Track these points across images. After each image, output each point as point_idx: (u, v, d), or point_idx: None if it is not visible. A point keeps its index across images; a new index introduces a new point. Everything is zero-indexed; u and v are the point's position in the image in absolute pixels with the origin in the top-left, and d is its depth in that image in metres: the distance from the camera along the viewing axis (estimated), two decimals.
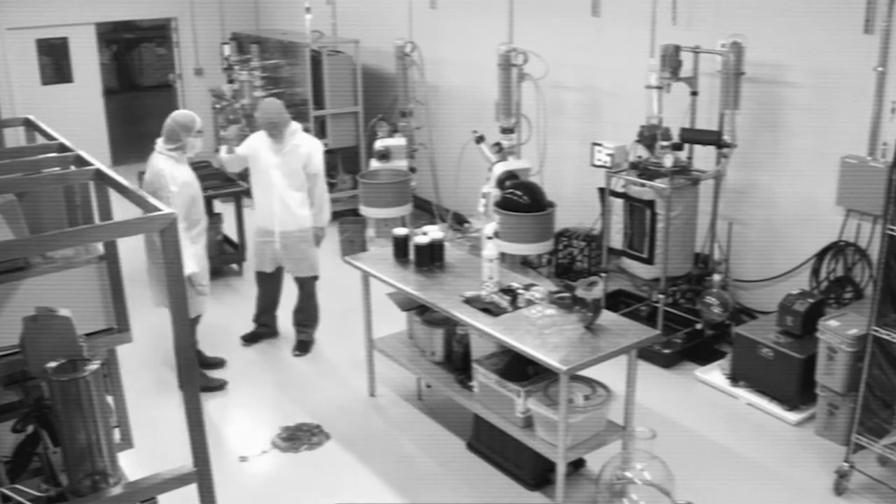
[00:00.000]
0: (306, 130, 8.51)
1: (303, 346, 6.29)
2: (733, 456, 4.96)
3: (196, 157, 5.65)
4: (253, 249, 6.34)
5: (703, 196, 6.03)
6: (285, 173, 5.85)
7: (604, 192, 6.34)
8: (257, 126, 5.97)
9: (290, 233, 5.95)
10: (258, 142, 5.98)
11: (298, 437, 5.19)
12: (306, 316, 6.29)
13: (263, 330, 6.47)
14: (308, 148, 5.93)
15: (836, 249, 5.69)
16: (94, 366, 2.48)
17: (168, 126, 5.34)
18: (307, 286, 6.21)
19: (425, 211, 8.86)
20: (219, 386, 5.76)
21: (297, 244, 5.99)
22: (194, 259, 5.34)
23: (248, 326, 6.50)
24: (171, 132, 5.33)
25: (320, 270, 6.21)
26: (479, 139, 6.92)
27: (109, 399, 3.09)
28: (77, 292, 2.95)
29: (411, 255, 5.29)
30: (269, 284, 6.29)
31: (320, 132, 8.80)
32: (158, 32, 14.97)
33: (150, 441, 4.20)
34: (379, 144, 7.90)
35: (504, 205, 6.47)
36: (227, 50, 9.90)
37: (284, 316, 6.45)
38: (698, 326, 6.03)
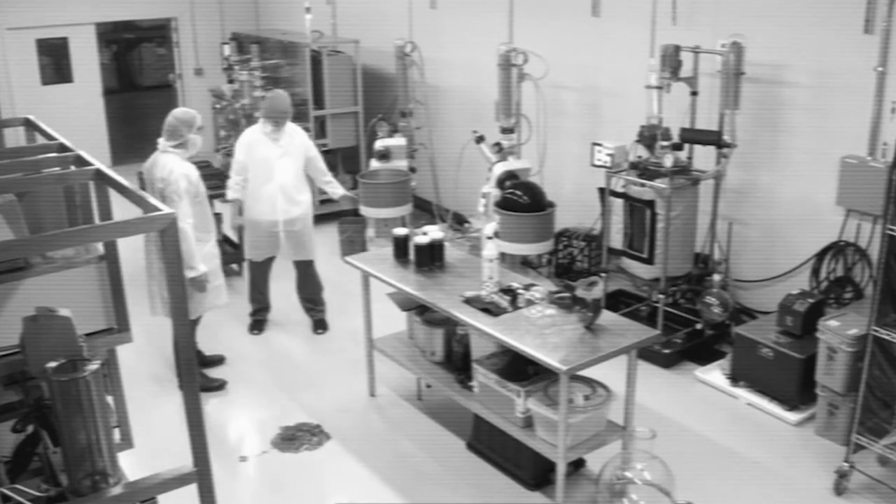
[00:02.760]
0: (306, 129, 8.56)
1: (322, 324, 6.60)
2: (733, 456, 4.96)
3: (197, 156, 5.65)
4: (250, 241, 6.38)
5: (703, 196, 6.03)
6: (289, 163, 6.15)
7: (604, 192, 6.34)
8: (265, 115, 6.13)
9: (293, 220, 6.23)
10: (252, 139, 6.16)
11: (298, 437, 5.19)
12: (315, 295, 6.58)
13: (259, 309, 6.62)
14: (301, 136, 6.31)
15: (836, 249, 5.69)
16: (94, 366, 2.48)
17: (169, 123, 5.36)
18: (310, 267, 6.49)
19: (425, 211, 8.86)
20: (219, 386, 5.76)
21: (300, 230, 6.29)
22: (203, 260, 5.39)
23: (245, 325, 6.57)
24: (172, 129, 5.34)
25: (322, 268, 6.32)
26: (479, 139, 6.92)
27: (109, 399, 3.09)
28: (77, 292, 2.95)
29: (411, 255, 5.29)
30: (261, 269, 6.48)
31: (320, 132, 8.81)
32: (158, 32, 14.98)
33: (150, 441, 4.20)
34: (379, 144, 7.90)
35: (504, 205, 6.47)
36: (227, 50, 9.90)
37: (291, 304, 6.64)
38: (698, 326, 6.02)
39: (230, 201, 6.26)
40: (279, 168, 6.10)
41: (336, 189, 6.48)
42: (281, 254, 6.37)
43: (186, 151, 5.37)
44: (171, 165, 5.27)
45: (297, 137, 6.25)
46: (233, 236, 6.54)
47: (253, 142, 6.15)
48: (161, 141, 5.37)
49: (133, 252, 4.76)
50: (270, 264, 6.47)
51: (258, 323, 6.62)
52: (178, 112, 5.45)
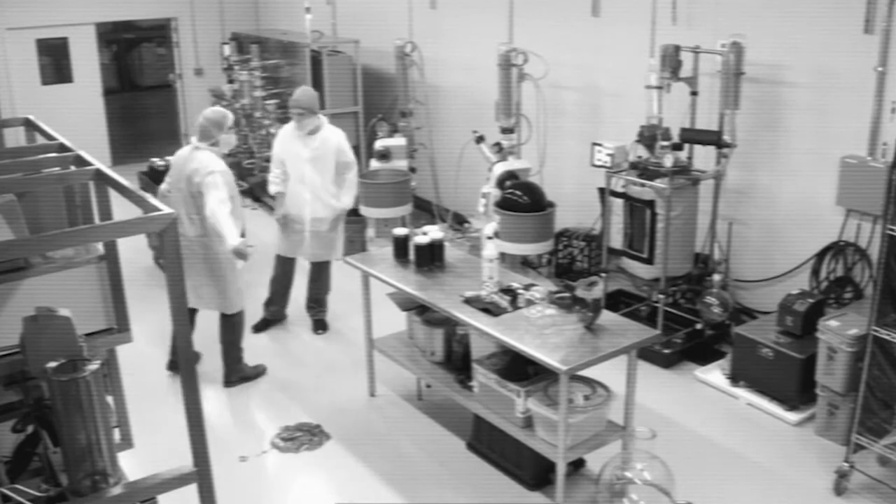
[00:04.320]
0: None
1: (322, 325, 6.60)
2: (733, 456, 4.96)
3: None
4: (280, 235, 6.43)
5: (703, 196, 6.03)
6: (318, 165, 6.15)
7: (604, 192, 6.34)
8: (289, 109, 6.20)
9: (320, 220, 6.25)
10: (285, 134, 6.26)
11: (298, 437, 5.19)
12: (321, 295, 6.60)
13: (275, 313, 6.64)
14: (336, 139, 6.24)
15: (836, 249, 5.69)
16: (94, 366, 2.48)
17: (201, 125, 5.40)
18: (325, 269, 6.51)
19: (425, 211, 8.86)
20: (261, 372, 5.91)
21: (326, 232, 6.32)
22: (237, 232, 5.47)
23: (250, 323, 6.54)
24: (204, 130, 5.38)
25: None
26: (479, 139, 6.92)
27: (109, 399, 3.09)
28: (77, 292, 2.95)
29: (411, 255, 5.29)
30: (286, 268, 6.50)
31: None
32: (158, 32, 14.98)
33: (150, 441, 4.20)
34: (379, 144, 7.89)
35: (504, 205, 6.47)
36: (227, 50, 9.91)
37: (291, 304, 6.65)
38: (698, 326, 6.02)
39: (273, 195, 6.35)
40: (308, 168, 6.12)
41: (340, 199, 6.28)
42: (302, 252, 6.38)
43: (220, 149, 5.42)
44: (210, 160, 5.31)
45: (332, 140, 6.21)
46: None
47: (286, 137, 6.24)
48: (193, 139, 5.44)
49: (133, 252, 4.76)
50: (294, 265, 6.48)
51: (266, 323, 6.61)
52: (208, 112, 5.51)
